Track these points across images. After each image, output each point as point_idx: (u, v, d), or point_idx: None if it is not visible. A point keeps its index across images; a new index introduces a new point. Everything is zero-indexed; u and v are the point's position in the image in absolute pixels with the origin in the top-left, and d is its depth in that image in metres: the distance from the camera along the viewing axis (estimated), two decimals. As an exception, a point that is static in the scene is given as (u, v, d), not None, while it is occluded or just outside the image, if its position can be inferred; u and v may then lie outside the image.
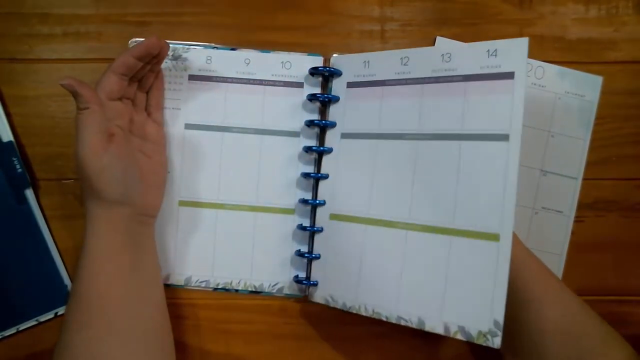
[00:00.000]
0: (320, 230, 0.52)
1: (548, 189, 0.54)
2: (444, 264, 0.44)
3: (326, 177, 0.52)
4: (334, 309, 0.54)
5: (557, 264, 0.54)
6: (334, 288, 0.50)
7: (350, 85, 0.51)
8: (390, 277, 0.46)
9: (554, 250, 0.54)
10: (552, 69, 0.54)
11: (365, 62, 0.50)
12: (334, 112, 0.52)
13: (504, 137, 0.43)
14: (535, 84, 0.54)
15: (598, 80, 0.54)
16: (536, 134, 0.54)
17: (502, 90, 0.43)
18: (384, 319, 0.46)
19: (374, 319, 0.54)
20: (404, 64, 0.47)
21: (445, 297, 0.43)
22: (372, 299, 0.47)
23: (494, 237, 0.42)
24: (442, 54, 0.46)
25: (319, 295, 0.51)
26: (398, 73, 0.48)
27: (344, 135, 0.51)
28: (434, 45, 0.54)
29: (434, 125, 0.45)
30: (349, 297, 0.48)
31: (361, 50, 0.54)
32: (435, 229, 0.45)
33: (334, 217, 0.51)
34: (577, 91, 0.54)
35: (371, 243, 0.48)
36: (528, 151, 0.54)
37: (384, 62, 0.49)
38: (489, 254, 0.42)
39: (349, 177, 0.50)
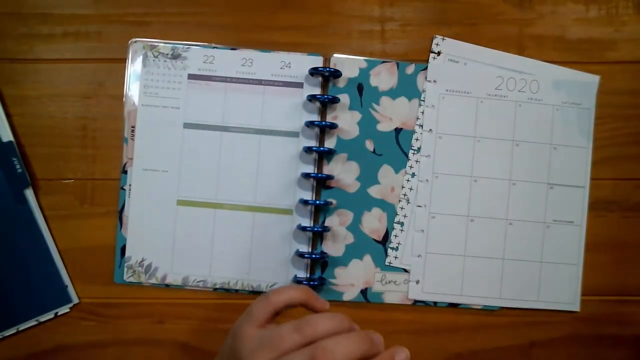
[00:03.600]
0: (322, 230, 0.52)
1: (557, 201, 0.54)
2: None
3: (332, 178, 0.53)
4: (335, 309, 0.54)
5: (575, 274, 0.54)
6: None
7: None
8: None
9: (570, 261, 0.54)
10: (547, 81, 0.54)
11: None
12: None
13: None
14: (531, 99, 0.54)
15: (594, 85, 0.54)
16: (538, 148, 0.54)
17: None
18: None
19: (374, 318, 0.54)
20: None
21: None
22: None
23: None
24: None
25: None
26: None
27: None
28: (431, 44, 0.54)
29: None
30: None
31: (361, 51, 0.54)
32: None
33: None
34: (574, 100, 0.54)
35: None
36: (532, 166, 0.54)
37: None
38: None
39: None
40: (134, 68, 0.53)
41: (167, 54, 0.53)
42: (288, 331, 0.36)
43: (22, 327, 0.52)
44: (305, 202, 0.53)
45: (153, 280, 0.53)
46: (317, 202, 0.52)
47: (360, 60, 0.54)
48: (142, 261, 0.53)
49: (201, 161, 0.53)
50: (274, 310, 0.40)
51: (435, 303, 0.54)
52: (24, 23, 0.54)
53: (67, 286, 0.53)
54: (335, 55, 0.54)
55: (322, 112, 0.54)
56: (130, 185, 0.53)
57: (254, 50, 0.54)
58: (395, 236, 0.54)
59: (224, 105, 0.53)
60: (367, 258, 0.54)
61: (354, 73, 0.54)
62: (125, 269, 0.53)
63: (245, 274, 0.53)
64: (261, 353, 0.36)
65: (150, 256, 0.53)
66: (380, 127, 0.54)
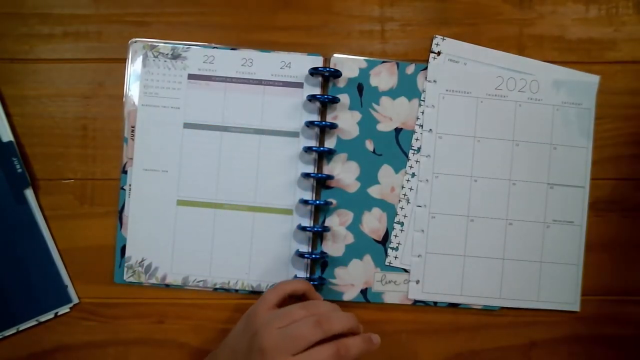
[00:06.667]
0: (322, 230, 0.52)
1: (557, 201, 0.54)
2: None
3: (332, 178, 0.53)
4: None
5: (575, 274, 0.54)
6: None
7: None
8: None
9: (570, 261, 0.54)
10: (547, 81, 0.54)
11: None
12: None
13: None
14: (531, 99, 0.54)
15: (594, 85, 0.54)
16: (538, 148, 0.54)
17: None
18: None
19: (374, 318, 0.54)
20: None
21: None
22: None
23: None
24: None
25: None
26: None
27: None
28: (431, 44, 0.54)
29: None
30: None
31: (361, 51, 0.54)
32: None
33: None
34: (574, 100, 0.54)
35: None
36: (532, 166, 0.54)
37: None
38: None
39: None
40: (134, 68, 0.53)
41: (167, 54, 0.53)
42: (296, 308, 0.45)
43: (22, 327, 0.52)
44: (305, 202, 0.53)
45: (153, 280, 0.53)
46: (317, 202, 0.52)
47: (360, 60, 0.54)
48: (142, 261, 0.53)
49: (201, 161, 0.53)
50: (283, 295, 0.48)
51: (435, 303, 0.54)
52: (24, 23, 0.54)
53: (67, 286, 0.53)
54: (335, 55, 0.54)
55: (322, 112, 0.54)
56: (130, 185, 0.53)
57: (254, 50, 0.54)
58: (395, 236, 0.54)
59: (224, 105, 0.53)
60: (367, 258, 0.54)
61: (354, 73, 0.54)
62: (125, 269, 0.53)
63: (245, 274, 0.53)
64: (274, 322, 0.44)
65: (150, 256, 0.53)
66: (380, 127, 0.54)
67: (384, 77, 0.54)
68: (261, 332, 0.43)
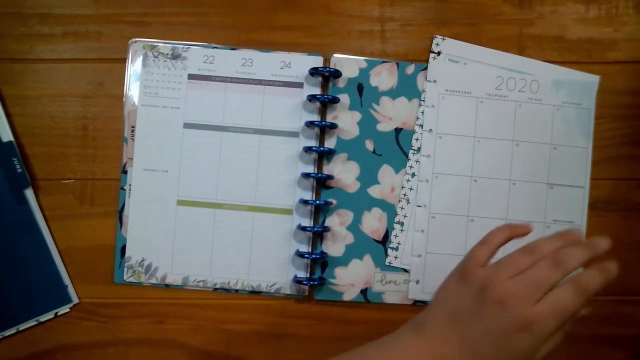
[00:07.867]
0: (322, 230, 0.52)
1: (557, 201, 0.54)
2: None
3: (332, 178, 0.53)
4: (335, 309, 0.54)
5: (574, 274, 0.54)
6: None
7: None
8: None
9: None
10: (547, 81, 0.54)
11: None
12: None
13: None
14: (531, 99, 0.54)
15: (594, 85, 0.54)
16: (538, 148, 0.54)
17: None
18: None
19: (374, 318, 0.54)
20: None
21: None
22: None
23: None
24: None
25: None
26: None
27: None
28: (431, 44, 0.54)
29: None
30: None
31: (361, 51, 0.54)
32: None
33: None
34: (574, 100, 0.54)
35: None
36: (532, 166, 0.54)
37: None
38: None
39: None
40: (134, 68, 0.53)
41: (167, 54, 0.53)
42: (518, 255, 0.40)
43: (22, 327, 0.52)
44: (305, 202, 0.53)
45: (153, 280, 0.53)
46: (317, 202, 0.52)
47: (360, 60, 0.54)
48: (142, 261, 0.53)
49: (201, 161, 0.53)
50: (494, 252, 0.43)
51: (435, 303, 0.54)
52: (24, 23, 0.54)
53: (67, 286, 0.53)
54: (335, 55, 0.54)
55: (322, 112, 0.54)
56: (130, 185, 0.53)
57: (254, 50, 0.54)
58: (395, 236, 0.54)
59: (224, 105, 0.53)
60: (367, 258, 0.54)
61: (354, 73, 0.54)
62: (125, 269, 0.53)
63: (245, 274, 0.53)
64: (502, 274, 0.39)
65: (150, 256, 0.53)
66: (380, 127, 0.54)
67: (384, 77, 0.54)
68: (491, 286, 0.39)
